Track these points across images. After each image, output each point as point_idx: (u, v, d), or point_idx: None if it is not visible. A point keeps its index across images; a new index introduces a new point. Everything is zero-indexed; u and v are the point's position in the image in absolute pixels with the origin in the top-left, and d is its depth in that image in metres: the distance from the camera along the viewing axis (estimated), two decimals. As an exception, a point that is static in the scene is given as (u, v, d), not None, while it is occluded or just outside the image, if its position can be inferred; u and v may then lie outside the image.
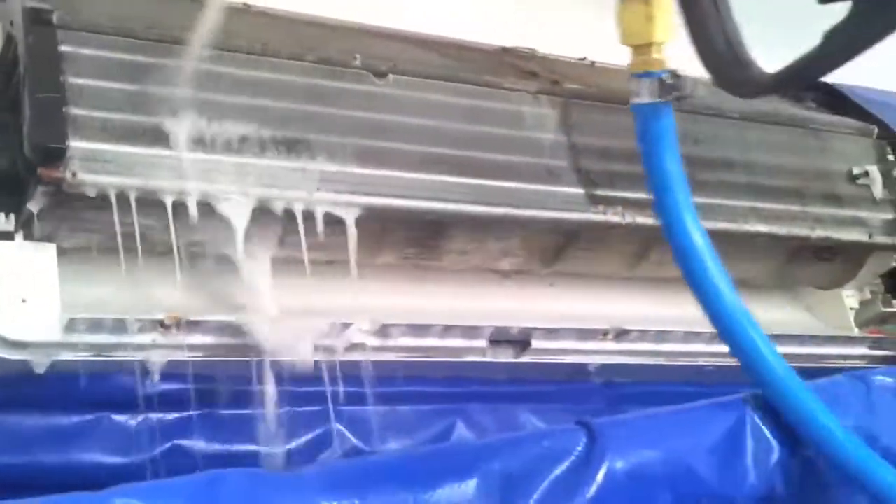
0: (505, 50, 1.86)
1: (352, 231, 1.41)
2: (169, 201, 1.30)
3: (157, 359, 1.33)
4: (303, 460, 1.45)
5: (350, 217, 1.42)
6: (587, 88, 1.73)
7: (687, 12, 1.29)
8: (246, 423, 1.45)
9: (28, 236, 1.30)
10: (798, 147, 1.90)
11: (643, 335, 1.67)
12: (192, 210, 1.31)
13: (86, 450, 1.38)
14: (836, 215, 1.86)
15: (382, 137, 1.48)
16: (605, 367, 1.67)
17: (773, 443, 1.27)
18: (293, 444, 1.46)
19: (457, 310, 1.60)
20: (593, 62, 1.95)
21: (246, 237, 1.35)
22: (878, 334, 1.94)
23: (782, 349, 1.81)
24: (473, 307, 1.62)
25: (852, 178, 1.91)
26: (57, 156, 1.23)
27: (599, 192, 1.61)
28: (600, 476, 1.13)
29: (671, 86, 1.31)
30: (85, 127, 1.27)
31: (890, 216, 1.91)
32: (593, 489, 1.12)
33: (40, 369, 1.27)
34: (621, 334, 1.65)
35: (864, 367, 1.76)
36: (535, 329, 1.60)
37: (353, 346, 1.45)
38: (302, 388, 1.41)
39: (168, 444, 1.41)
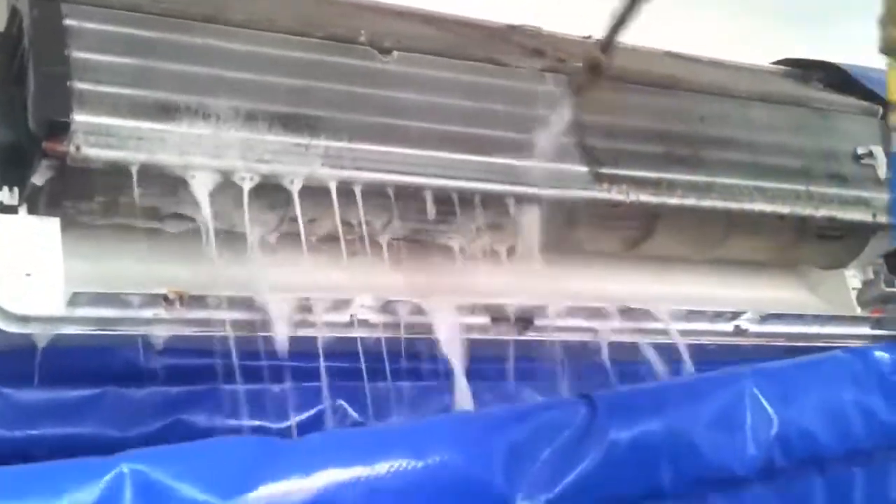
0: (511, 27, 1.86)
1: (356, 207, 1.41)
2: (174, 176, 1.30)
3: (161, 333, 1.33)
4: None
5: (357, 193, 1.41)
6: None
7: None
8: (249, 398, 1.45)
9: (32, 210, 1.30)
10: (803, 127, 1.90)
11: (646, 314, 1.67)
12: (197, 186, 1.31)
13: (89, 423, 1.39)
14: (841, 195, 1.86)
15: (387, 114, 1.48)
16: (609, 346, 1.67)
17: (773, 415, 1.28)
18: (296, 419, 1.47)
19: (461, 287, 1.60)
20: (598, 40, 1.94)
21: (249, 212, 1.35)
22: (881, 314, 1.94)
23: (785, 328, 1.85)
24: (477, 284, 1.62)
25: (857, 158, 1.91)
26: (61, 129, 1.23)
27: (604, 171, 1.61)
28: (601, 447, 1.14)
29: None
30: (89, 101, 1.27)
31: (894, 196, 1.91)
32: (594, 460, 1.13)
33: (43, 343, 1.27)
34: (625, 312, 1.65)
35: (866, 347, 1.76)
36: (538, 307, 1.60)
37: (357, 322, 1.45)
38: (305, 363, 1.41)
39: (171, 419, 1.42)
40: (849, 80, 2.06)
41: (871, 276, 1.97)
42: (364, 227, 1.43)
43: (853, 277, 1.97)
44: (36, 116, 1.23)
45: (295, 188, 1.38)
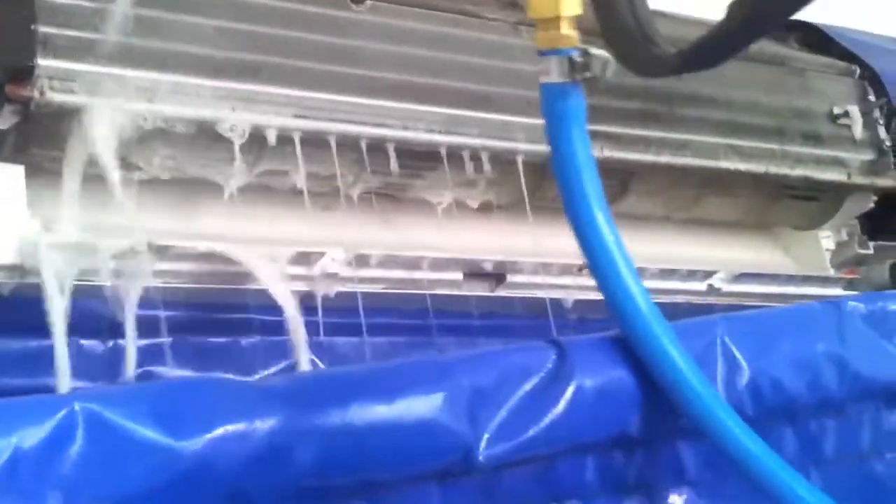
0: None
1: (329, 159, 1.40)
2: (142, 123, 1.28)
3: (128, 285, 1.31)
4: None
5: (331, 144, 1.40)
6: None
7: None
8: (218, 350, 1.44)
9: (-3, 157, 1.28)
10: (779, 85, 1.89)
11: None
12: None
13: (55, 374, 1.37)
14: (816, 155, 1.85)
15: (359, 65, 1.46)
16: (579, 303, 1.66)
17: (744, 364, 1.27)
18: (265, 373, 1.46)
19: (431, 243, 1.58)
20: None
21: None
22: (854, 275, 1.95)
23: (758, 288, 1.85)
24: (448, 240, 1.61)
25: (833, 118, 1.90)
26: (25, 74, 1.21)
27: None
28: (569, 393, 1.13)
29: (582, 65, 1.16)
30: (54, 45, 1.24)
31: (869, 157, 1.91)
32: (562, 406, 1.12)
33: (5, 290, 1.25)
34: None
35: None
36: (510, 262, 1.59)
37: (327, 276, 1.44)
38: (274, 317, 1.40)
39: (139, 371, 1.40)
40: (826, 40, 2.05)
41: (844, 237, 1.97)
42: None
43: (827, 239, 1.97)
44: (-1, 60, 1.21)
45: (270, 136, 1.36)
